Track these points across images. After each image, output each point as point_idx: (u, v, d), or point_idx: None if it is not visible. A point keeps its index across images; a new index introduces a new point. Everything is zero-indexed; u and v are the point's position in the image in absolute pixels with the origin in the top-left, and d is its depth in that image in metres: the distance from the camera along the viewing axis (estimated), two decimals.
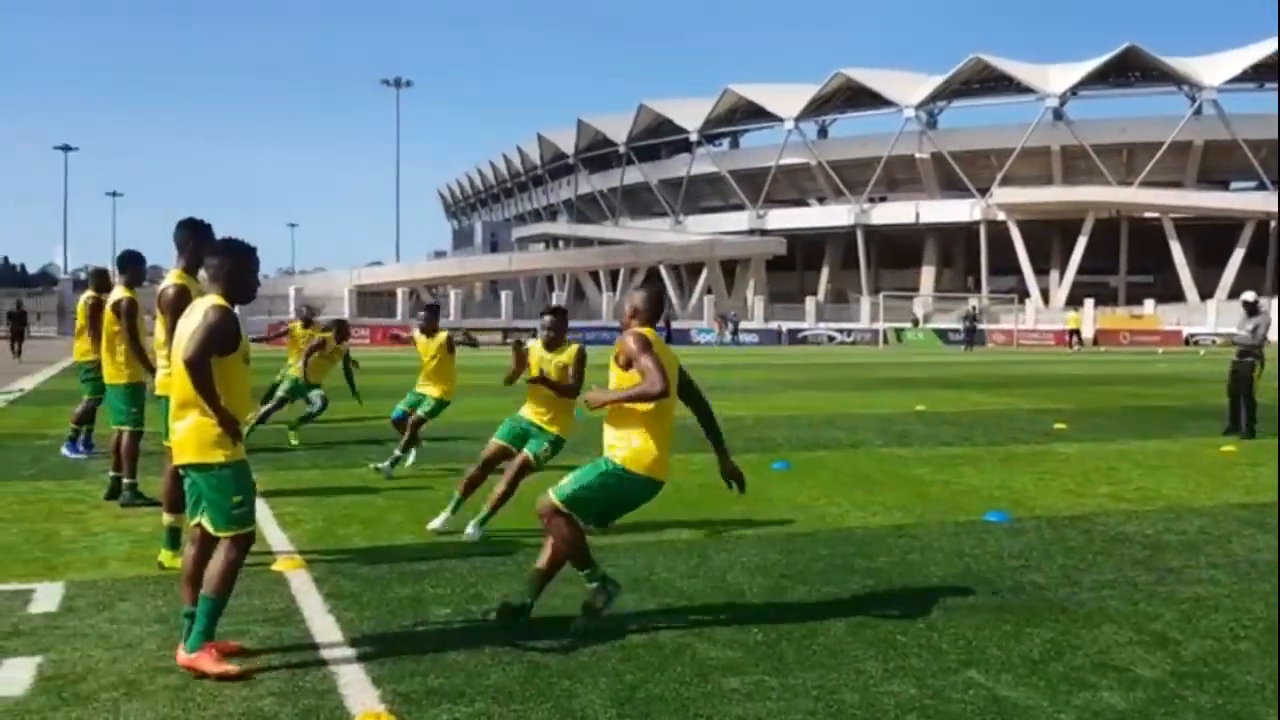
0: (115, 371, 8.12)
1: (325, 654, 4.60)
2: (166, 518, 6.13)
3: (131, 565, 6.14)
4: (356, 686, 4.20)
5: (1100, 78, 76.05)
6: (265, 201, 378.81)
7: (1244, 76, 73.26)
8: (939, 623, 5.11)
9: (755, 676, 4.35)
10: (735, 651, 4.67)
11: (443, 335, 9.88)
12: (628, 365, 4.95)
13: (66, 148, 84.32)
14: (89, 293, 10.17)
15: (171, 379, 4.74)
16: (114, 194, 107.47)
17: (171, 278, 6.30)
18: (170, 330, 5.86)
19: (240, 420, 4.52)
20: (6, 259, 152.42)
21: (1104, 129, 75.42)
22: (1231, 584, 5.91)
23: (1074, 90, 75.61)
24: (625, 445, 4.92)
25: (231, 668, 4.29)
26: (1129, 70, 77.54)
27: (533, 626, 4.98)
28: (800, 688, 4.23)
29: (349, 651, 4.64)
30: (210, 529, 4.48)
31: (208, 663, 4.27)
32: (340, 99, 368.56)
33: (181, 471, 4.58)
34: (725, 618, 5.18)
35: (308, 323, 13.39)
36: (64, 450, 10.40)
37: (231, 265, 4.56)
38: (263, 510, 7.70)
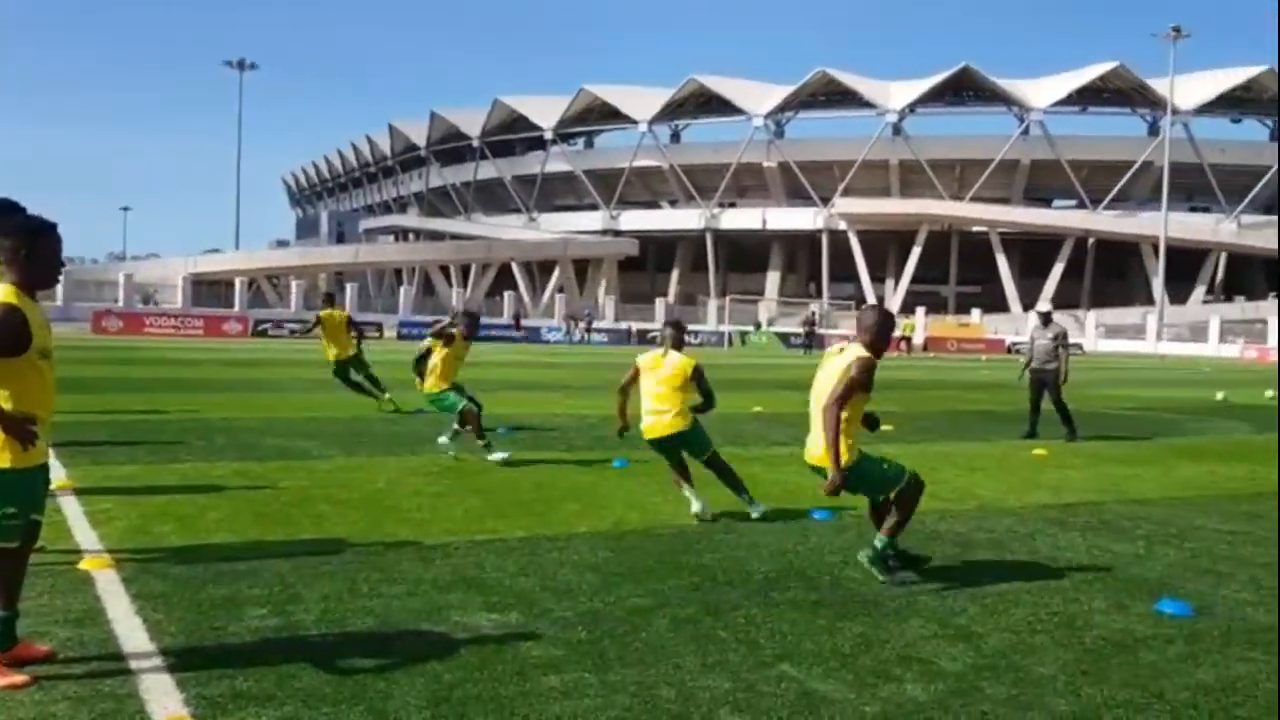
0: None
1: (129, 657, 4.40)
2: None
3: None
4: (159, 690, 4.03)
5: (937, 95, 79.63)
6: (95, 183, 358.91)
7: (1069, 99, 78.01)
8: (758, 618, 5.25)
9: (575, 674, 4.38)
10: (558, 649, 4.68)
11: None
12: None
13: None
14: None
15: None
16: None
17: None
18: None
19: (39, 420, 4.17)
20: None
21: (939, 145, 79.06)
22: (1032, 580, 6.26)
23: (912, 107, 78.92)
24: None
25: (19, 678, 4.04)
26: (964, 89, 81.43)
27: (356, 630, 4.89)
28: (619, 684, 4.27)
29: (154, 654, 4.44)
30: None
31: None
32: (180, 78, 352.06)
33: None
34: (552, 616, 5.19)
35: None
36: None
37: (28, 247, 4.17)
38: (73, 507, 7.34)
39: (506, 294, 64.84)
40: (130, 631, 4.72)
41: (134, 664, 4.32)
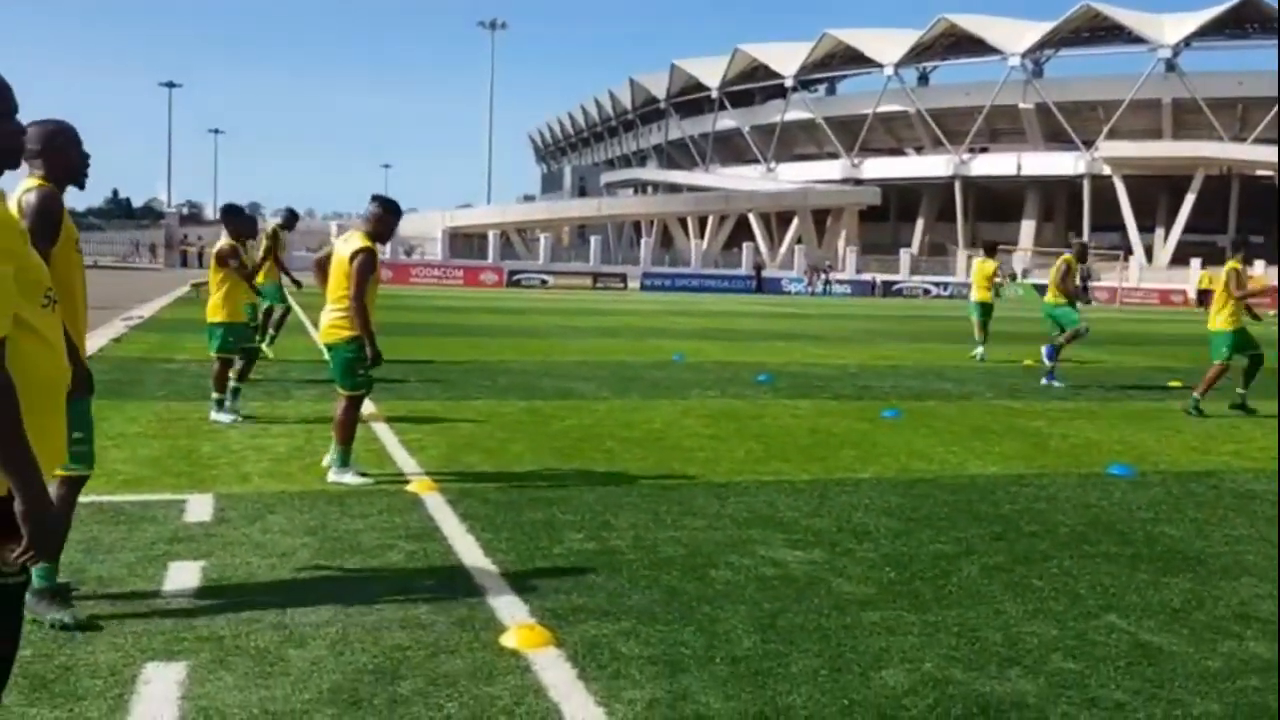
0: None
1: (470, 570, 4.76)
2: None
3: (274, 481, 6.39)
4: (505, 600, 4.35)
5: (1217, 28, 72.72)
6: (360, 141, 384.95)
7: None
8: (1074, 569, 5.08)
9: (894, 612, 4.39)
10: (870, 588, 4.71)
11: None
12: None
13: (171, 84, 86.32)
14: None
15: None
16: (216, 131, 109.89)
17: None
18: None
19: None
20: (116, 191, 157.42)
21: (1219, 82, 72.19)
22: None
23: (1188, 41, 72.44)
24: None
25: None
26: (1246, 21, 73.92)
27: (670, 556, 5.09)
28: (941, 624, 4.25)
29: (491, 568, 4.79)
30: None
31: None
32: (434, 39, 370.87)
33: None
34: (855, 556, 5.21)
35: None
36: None
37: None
38: (388, 435, 7.99)
39: (745, 245, 64.80)
40: (466, 548, 5.10)
41: (476, 577, 4.68)
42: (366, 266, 6.34)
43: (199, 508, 5.73)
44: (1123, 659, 3.95)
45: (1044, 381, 13.02)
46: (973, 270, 17.57)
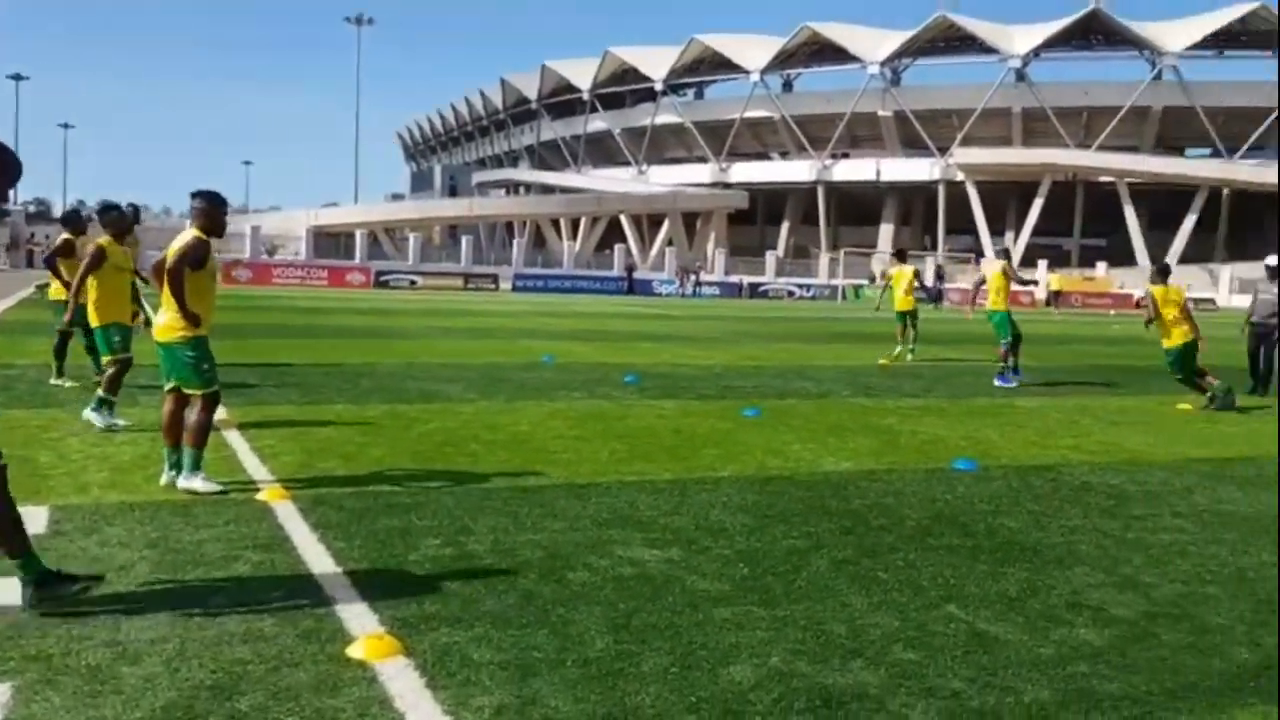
0: None
1: (319, 580, 4.65)
2: None
3: (115, 491, 6.11)
4: (354, 610, 4.26)
5: (1063, 39, 76.51)
6: (219, 137, 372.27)
7: (1204, 43, 74.05)
8: (917, 562, 5.26)
9: (744, 607, 4.47)
10: (723, 584, 4.78)
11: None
12: None
13: (18, 77, 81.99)
14: None
15: None
16: (66, 125, 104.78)
17: None
18: None
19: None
20: None
21: (1065, 92, 76.00)
22: (1196, 532, 6.12)
23: (1036, 52, 76.00)
24: None
25: None
26: (1092, 33, 78.05)
27: (528, 560, 5.06)
28: (789, 619, 4.35)
29: (342, 578, 4.68)
30: None
31: None
32: (299, 34, 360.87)
33: None
34: (711, 553, 5.28)
35: None
36: None
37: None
38: (240, 442, 7.72)
39: (617, 247, 65.07)
40: (316, 558, 4.97)
41: (325, 587, 4.56)
42: (193, 249, 6.24)
43: (32, 521, 5.36)
44: (960, 648, 4.11)
45: (998, 383, 13.68)
46: (891, 279, 17.90)
